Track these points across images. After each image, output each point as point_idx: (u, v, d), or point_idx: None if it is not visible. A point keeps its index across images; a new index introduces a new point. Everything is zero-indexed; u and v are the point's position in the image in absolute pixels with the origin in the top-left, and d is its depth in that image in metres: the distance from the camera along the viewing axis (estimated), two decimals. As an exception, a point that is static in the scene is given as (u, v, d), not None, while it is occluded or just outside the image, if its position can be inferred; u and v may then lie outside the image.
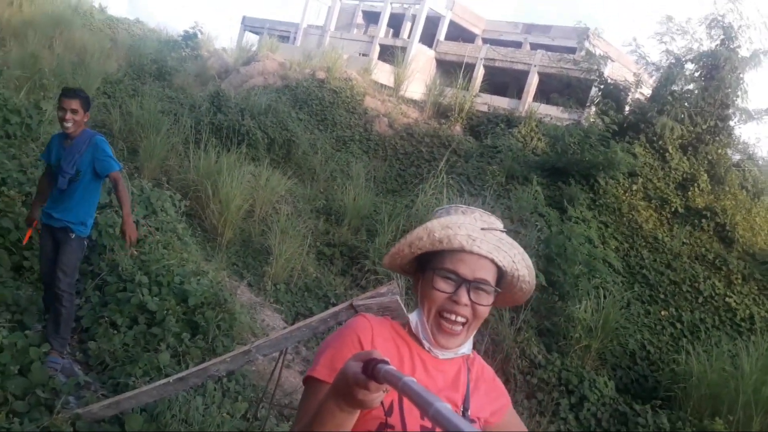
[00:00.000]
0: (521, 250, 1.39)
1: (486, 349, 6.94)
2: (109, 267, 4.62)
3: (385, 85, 18.49)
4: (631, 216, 10.51)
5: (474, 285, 1.32)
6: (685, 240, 10.29)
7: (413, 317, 1.38)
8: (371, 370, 0.97)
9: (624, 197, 10.76)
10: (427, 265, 1.37)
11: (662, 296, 9.39)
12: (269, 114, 12.36)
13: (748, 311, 9.17)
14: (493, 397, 1.51)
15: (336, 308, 3.25)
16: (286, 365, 3.66)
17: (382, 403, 1.07)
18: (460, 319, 1.32)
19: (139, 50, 16.44)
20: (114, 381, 3.61)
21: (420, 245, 1.35)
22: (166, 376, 3.79)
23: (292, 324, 6.74)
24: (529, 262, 1.41)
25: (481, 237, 1.33)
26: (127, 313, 4.21)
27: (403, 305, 3.21)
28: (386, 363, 0.97)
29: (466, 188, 10.70)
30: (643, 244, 10.15)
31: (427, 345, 1.36)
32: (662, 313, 9.16)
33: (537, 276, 5.75)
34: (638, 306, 9.12)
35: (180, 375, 3.06)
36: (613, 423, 6.56)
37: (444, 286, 1.32)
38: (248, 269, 7.99)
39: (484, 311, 1.35)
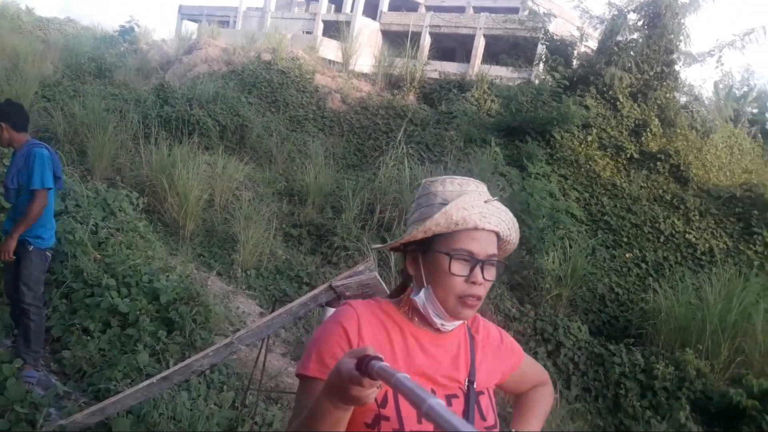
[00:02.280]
0: (511, 214, 1.37)
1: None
2: (74, 273, 4.50)
3: (334, 61, 18.28)
4: (588, 166, 10.71)
5: (486, 262, 1.30)
6: (642, 184, 10.55)
7: (420, 297, 1.32)
8: (365, 366, 0.97)
9: (580, 149, 10.94)
10: (430, 246, 1.32)
11: (625, 240, 9.64)
12: (218, 101, 12.11)
13: (707, 245, 9.50)
14: (503, 359, 1.50)
15: (315, 291, 3.23)
16: (268, 350, 3.64)
17: None
18: (477, 302, 1.31)
19: (75, 49, 15.82)
20: (95, 387, 3.54)
21: (436, 229, 1.30)
22: (147, 376, 3.74)
23: (268, 308, 6.73)
24: (516, 224, 1.40)
25: (488, 211, 1.32)
26: (99, 318, 4.12)
27: (381, 281, 3.22)
28: (380, 359, 0.97)
29: (426, 156, 10.72)
30: (603, 191, 10.37)
31: (438, 321, 1.32)
32: (627, 255, 9.42)
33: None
34: (603, 251, 9.36)
35: (164, 374, 3.02)
36: (590, 365, 6.76)
37: (460, 269, 1.28)
38: (216, 259, 7.89)
39: (491, 283, 1.34)
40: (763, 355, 6.77)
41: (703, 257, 9.34)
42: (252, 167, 10.66)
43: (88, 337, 3.97)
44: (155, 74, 16.41)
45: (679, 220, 9.95)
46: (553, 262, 7.93)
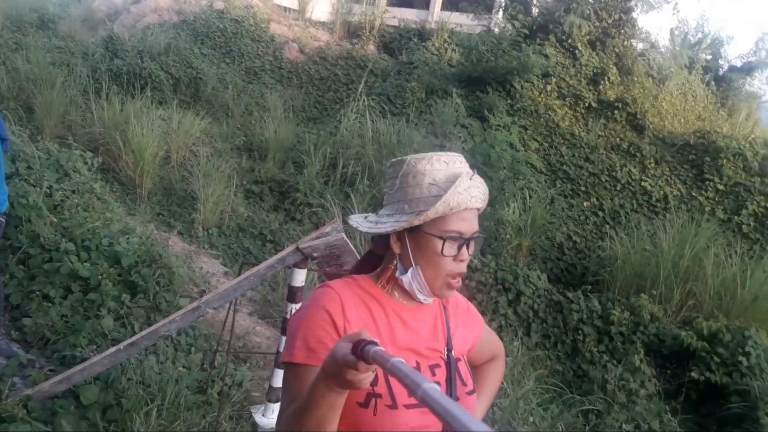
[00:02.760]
0: (485, 185, 1.39)
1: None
2: (30, 239, 4.36)
3: (290, 9, 17.70)
4: (548, 116, 10.79)
5: (471, 240, 1.33)
6: (600, 133, 10.71)
7: (406, 278, 1.34)
8: (360, 351, 0.98)
9: (540, 98, 10.99)
10: (419, 226, 1.32)
11: (583, 188, 9.84)
12: (170, 53, 11.65)
13: (662, 192, 9.77)
14: (470, 327, 1.54)
15: (282, 253, 3.21)
16: (235, 310, 3.63)
17: None
18: (460, 280, 1.34)
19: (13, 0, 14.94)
20: (59, 354, 3.50)
21: (433, 216, 1.30)
22: (113, 341, 3.71)
23: (232, 267, 6.69)
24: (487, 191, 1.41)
25: (474, 189, 1.33)
26: (59, 284, 4.03)
27: (349, 242, 3.22)
28: (375, 344, 0.98)
29: (388, 108, 10.62)
30: (562, 141, 10.50)
31: (422, 297, 1.35)
32: (584, 204, 9.64)
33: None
34: (562, 201, 9.54)
35: (131, 340, 2.99)
36: (550, 312, 6.97)
37: (451, 250, 1.31)
38: (175, 218, 7.76)
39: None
40: (712, 298, 7.09)
41: (658, 204, 9.62)
42: (208, 122, 10.40)
43: (49, 304, 3.89)
44: (102, 25, 15.64)
45: (635, 168, 10.18)
46: (514, 213, 8.06)
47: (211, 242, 7.22)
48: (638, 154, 10.39)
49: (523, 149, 9.74)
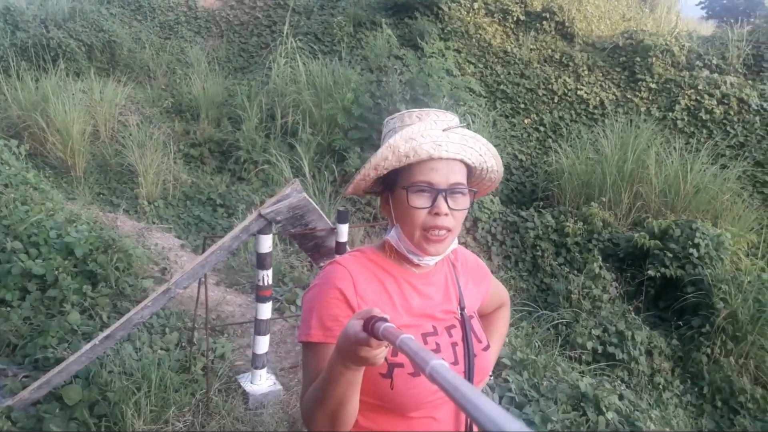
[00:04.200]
0: (485, 141, 1.34)
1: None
2: (-31, 243, 4.11)
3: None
4: (479, 36, 10.68)
5: (450, 191, 1.27)
6: (532, 46, 10.70)
7: (392, 236, 1.34)
8: (371, 328, 0.98)
9: (469, 18, 10.84)
10: (395, 183, 1.31)
11: (522, 106, 9.91)
12: (76, 18, 10.88)
13: (598, 98, 9.94)
14: (479, 282, 1.55)
15: (245, 222, 3.13)
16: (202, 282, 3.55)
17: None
18: (443, 233, 1.29)
19: None
20: (31, 358, 3.37)
21: (386, 165, 1.28)
22: (83, 335, 3.60)
23: (186, 239, 6.53)
24: (495, 150, 1.37)
25: (445, 139, 1.27)
26: (13, 286, 3.83)
27: (311, 201, 3.16)
28: (385, 320, 0.98)
29: (318, 47, 10.29)
30: (496, 60, 10.46)
31: (416, 259, 1.33)
32: (525, 121, 9.74)
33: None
34: (503, 121, 9.61)
35: (106, 333, 2.90)
36: (507, 233, 7.13)
37: (420, 201, 1.27)
38: (117, 195, 7.47)
39: (464, 214, 1.32)
40: (658, 197, 7.38)
41: (596, 111, 9.80)
42: (131, 87, 9.87)
43: (8, 308, 3.71)
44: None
45: (569, 77, 10.28)
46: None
47: (159, 215, 7.01)
48: (571, 64, 10.47)
49: (459, 74, 9.66)
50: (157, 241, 5.61)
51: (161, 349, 3.59)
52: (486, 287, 1.58)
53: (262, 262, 3.29)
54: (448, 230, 1.29)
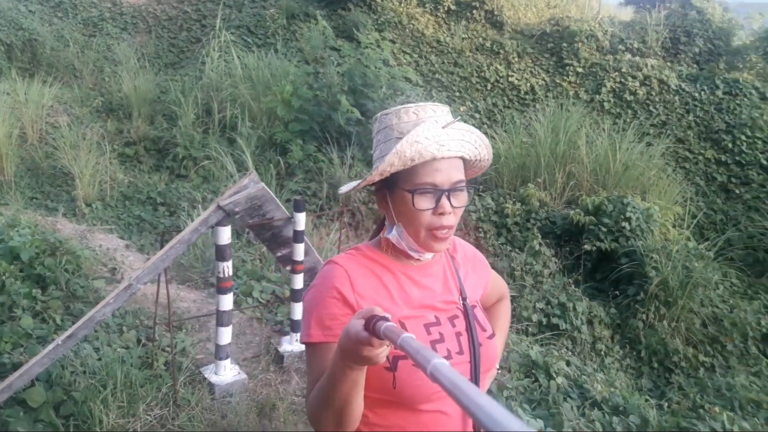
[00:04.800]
0: (478, 132, 1.35)
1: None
2: None
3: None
4: (412, 26, 10.85)
5: (452, 191, 1.27)
6: (463, 35, 10.96)
7: (393, 235, 1.33)
8: (372, 327, 0.99)
9: (401, 9, 11.00)
10: (395, 183, 1.30)
11: (458, 94, 10.16)
12: (-8, 16, 10.38)
13: (528, 84, 10.31)
14: (478, 272, 1.55)
15: (204, 214, 3.15)
16: (168, 281, 3.54)
17: None
18: (447, 231, 1.30)
19: None
20: (-15, 367, 3.28)
21: (392, 170, 1.26)
22: (38, 338, 3.53)
23: (131, 239, 6.40)
24: (486, 139, 1.38)
25: (446, 138, 1.26)
26: (-43, 294, 3.71)
27: (269, 190, 3.21)
28: (386, 319, 0.98)
29: (252, 41, 10.20)
30: (430, 50, 10.66)
31: (416, 254, 1.34)
32: (461, 108, 9.98)
33: (353, 112, 5.89)
34: (441, 109, 9.82)
35: (68, 333, 2.86)
36: (452, 218, 7.33)
37: (425, 203, 1.26)
38: (52, 199, 7.22)
39: (463, 209, 1.33)
40: (589, 175, 7.76)
41: (527, 96, 10.16)
42: (58, 87, 9.51)
43: (-47, 318, 3.59)
44: None
45: (501, 65, 10.60)
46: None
47: (98, 217, 6.82)
48: (501, 51, 10.80)
49: (396, 64, 9.80)
50: (101, 243, 5.49)
51: (120, 347, 3.56)
52: (486, 277, 1.58)
53: (221, 254, 3.32)
54: (450, 228, 1.30)
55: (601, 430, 3.34)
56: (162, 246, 3.19)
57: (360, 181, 1.35)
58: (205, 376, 3.48)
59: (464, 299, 1.41)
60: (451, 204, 1.27)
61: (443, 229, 1.28)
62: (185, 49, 12.04)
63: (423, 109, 1.31)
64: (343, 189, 1.42)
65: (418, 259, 1.36)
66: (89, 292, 4.08)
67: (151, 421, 3.01)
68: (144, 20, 13.05)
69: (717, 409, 3.80)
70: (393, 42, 10.45)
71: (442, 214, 1.27)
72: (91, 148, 7.60)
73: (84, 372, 3.13)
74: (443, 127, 1.26)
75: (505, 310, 1.73)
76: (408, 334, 0.90)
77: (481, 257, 1.59)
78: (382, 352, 1.03)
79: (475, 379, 1.33)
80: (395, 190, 1.30)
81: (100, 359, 3.30)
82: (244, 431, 3.07)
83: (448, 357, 1.30)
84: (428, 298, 1.36)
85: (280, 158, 7.50)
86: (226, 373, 3.50)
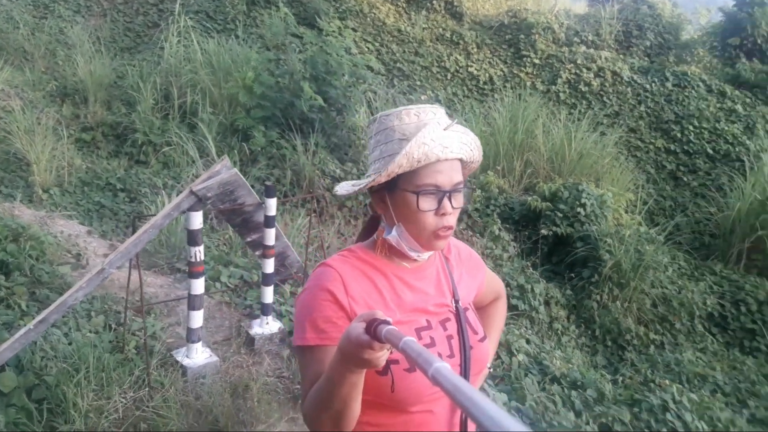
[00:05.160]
0: (472, 134, 1.38)
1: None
2: None
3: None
4: (373, 15, 10.90)
5: (453, 192, 1.30)
6: (423, 25, 11.07)
7: (393, 236, 1.34)
8: (373, 330, 1.00)
9: (362, -3, 11.04)
10: (395, 184, 1.30)
11: (419, 83, 10.28)
12: (-65, -5, 9.96)
13: (487, 74, 10.51)
14: (473, 273, 1.56)
15: (177, 199, 3.18)
16: (139, 266, 3.55)
17: None
18: (448, 231, 1.33)
19: None
20: (-51, 353, 3.24)
21: (399, 171, 1.27)
22: (3, 325, 3.50)
23: (92, 225, 6.31)
24: (479, 142, 1.41)
25: (448, 140, 1.29)
26: None
27: (242, 176, 3.25)
28: (387, 323, 0.99)
29: (211, 26, 10.08)
30: (391, 39, 10.74)
31: (414, 254, 1.35)
32: (422, 97, 10.10)
33: (316, 99, 5.94)
34: (402, 98, 9.92)
35: (40, 317, 2.87)
36: (414, 205, 7.47)
37: (428, 204, 1.28)
38: (7, 185, 7.02)
39: (461, 209, 1.36)
40: (546, 163, 8.01)
41: (486, 86, 10.36)
42: (8, 72, 9.21)
43: None
44: None
45: (460, 55, 10.77)
46: (360, 118, 8.30)
47: (57, 203, 6.69)
48: (461, 42, 10.96)
49: (358, 52, 9.85)
50: (62, 229, 5.41)
51: (90, 332, 3.56)
52: (481, 278, 1.59)
53: (193, 238, 3.35)
54: (450, 228, 1.33)
55: (560, 403, 3.52)
56: (134, 231, 3.21)
57: (366, 181, 1.34)
58: (177, 359, 3.52)
59: (456, 302, 1.42)
60: (451, 205, 1.30)
61: (445, 230, 1.31)
62: (142, 34, 11.80)
63: (423, 111, 1.32)
64: (341, 190, 1.40)
65: (415, 260, 1.38)
66: (55, 278, 4.05)
67: (126, 404, 3.04)
68: (98, 3, 12.70)
69: (667, 382, 4.04)
70: (354, 30, 10.48)
71: (443, 214, 1.29)
72: (47, 134, 7.42)
73: (55, 357, 3.14)
74: (444, 129, 1.29)
75: (500, 310, 1.74)
76: (409, 337, 0.91)
77: (476, 258, 1.60)
78: (383, 355, 1.03)
79: None
80: (396, 191, 1.31)
81: (70, 344, 3.30)
82: (218, 410, 3.13)
83: None
84: (421, 302, 1.37)
85: (243, 144, 7.47)
86: (198, 356, 3.54)
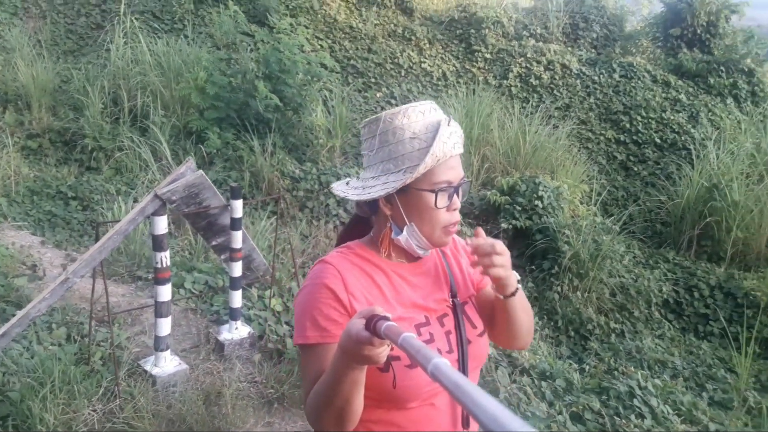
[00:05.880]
0: (460, 128, 1.39)
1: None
2: None
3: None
4: (324, 11, 10.83)
5: (461, 187, 1.33)
6: (375, 21, 11.06)
7: (403, 237, 1.34)
8: (373, 326, 1.00)
9: (311, -6, 10.94)
10: (407, 186, 1.30)
11: (373, 80, 10.27)
12: None
13: (440, 70, 10.58)
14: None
15: (141, 204, 3.09)
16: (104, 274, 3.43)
17: None
18: (456, 226, 1.36)
19: None
20: None
21: (424, 170, 1.28)
22: (-42, 342, 3.35)
23: (44, 235, 6.09)
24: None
25: (455, 134, 1.32)
26: None
27: (207, 177, 3.19)
28: (387, 319, 1.00)
29: (158, 26, 9.84)
30: (343, 36, 10.70)
31: (422, 252, 1.36)
32: (378, 95, 10.11)
33: (272, 98, 5.88)
34: (357, 96, 9.91)
35: (1, 331, 2.75)
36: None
37: (443, 201, 1.31)
38: (-52, 196, 6.72)
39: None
40: (502, 157, 8.12)
41: (440, 82, 10.43)
42: (-59, 78, 8.80)
43: None
44: None
45: (413, 51, 10.80)
46: (318, 116, 8.25)
47: (4, 214, 6.43)
48: (413, 38, 11.00)
49: (311, 50, 9.77)
50: (13, 240, 5.21)
51: (52, 344, 3.44)
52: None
53: (159, 243, 3.27)
54: (459, 221, 1.36)
55: (532, 394, 3.59)
56: (97, 239, 3.11)
57: (394, 182, 1.30)
58: (146, 368, 3.44)
59: (454, 296, 1.43)
60: (459, 199, 1.34)
61: (454, 225, 1.34)
62: (85, 36, 11.40)
63: (426, 108, 1.33)
64: (355, 196, 1.36)
65: (418, 257, 1.39)
66: (10, 291, 3.90)
67: (96, 416, 2.95)
68: (36, 4, 12.22)
69: (632, 368, 4.16)
70: (306, 27, 10.39)
71: (454, 210, 1.33)
72: (-11, 143, 7.13)
73: (17, 371, 3.02)
74: (449, 125, 1.31)
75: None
76: (409, 333, 0.91)
77: None
78: (383, 351, 1.04)
79: None
80: (408, 192, 1.31)
81: (32, 357, 3.18)
82: (192, 418, 3.07)
83: None
84: (420, 297, 1.37)
85: (201, 146, 7.34)
86: (167, 364, 3.47)
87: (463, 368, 1.36)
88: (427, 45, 10.95)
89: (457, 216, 1.34)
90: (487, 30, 10.94)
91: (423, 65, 10.59)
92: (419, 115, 1.31)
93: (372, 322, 1.00)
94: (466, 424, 1.38)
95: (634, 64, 10.57)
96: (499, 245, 1.27)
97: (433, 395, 1.30)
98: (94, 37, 11.00)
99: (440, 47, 10.99)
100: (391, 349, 1.11)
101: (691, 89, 10.38)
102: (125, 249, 5.11)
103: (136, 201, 6.02)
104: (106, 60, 9.16)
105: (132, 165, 7.38)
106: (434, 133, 1.28)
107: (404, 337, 0.90)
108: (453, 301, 1.42)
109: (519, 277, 1.37)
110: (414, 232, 1.33)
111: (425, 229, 1.32)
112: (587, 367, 4.65)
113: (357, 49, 10.60)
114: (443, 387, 0.76)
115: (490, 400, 0.66)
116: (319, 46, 10.24)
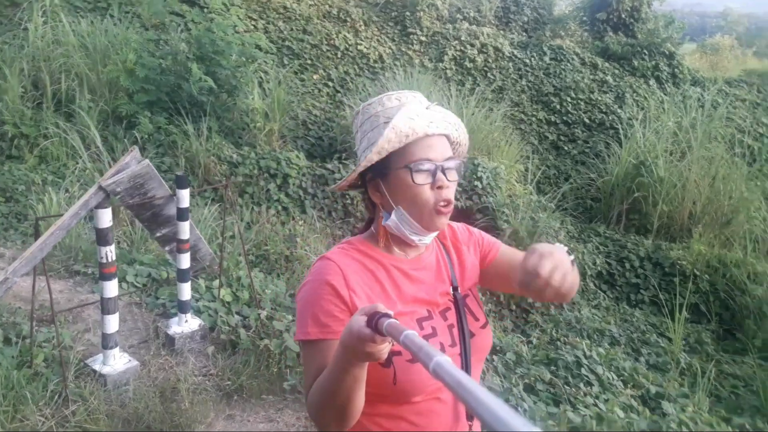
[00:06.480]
0: (456, 117, 1.40)
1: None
2: None
3: None
4: (256, -8, 10.57)
5: (447, 166, 1.31)
6: (310, 2, 10.89)
7: (392, 221, 1.33)
8: (375, 323, 1.00)
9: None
10: (388, 167, 1.31)
11: (310, 62, 10.13)
12: None
13: (377, 52, 10.54)
14: (476, 249, 1.52)
15: (85, 197, 2.94)
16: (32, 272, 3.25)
17: None
18: (448, 205, 1.32)
19: None
20: None
21: (389, 147, 1.28)
22: None
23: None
24: (464, 127, 1.42)
25: (433, 117, 1.31)
26: None
27: (153, 167, 3.08)
28: (389, 316, 1.00)
29: (81, 5, 9.31)
30: (277, 16, 10.47)
31: (416, 238, 1.35)
32: (314, 77, 9.99)
33: (206, 81, 5.73)
34: (294, 78, 9.75)
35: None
36: (317, 186, 7.40)
37: (424, 178, 1.29)
38: None
39: (456, 186, 1.36)
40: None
41: (376, 65, 10.40)
42: None
43: None
44: None
45: (349, 33, 10.71)
46: (254, 99, 8.07)
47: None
48: (348, 19, 10.90)
49: (244, 30, 9.51)
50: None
51: (-10, 348, 3.25)
52: (486, 251, 1.53)
53: (103, 237, 3.13)
54: (450, 202, 1.32)
55: (484, 368, 3.69)
56: (36, 234, 2.95)
57: (360, 168, 1.32)
58: (95, 368, 3.31)
59: (455, 290, 1.42)
60: (446, 178, 1.31)
61: (444, 202, 1.31)
62: (-3, 13, 10.66)
63: (404, 95, 1.35)
64: (334, 186, 1.38)
65: (415, 248, 1.39)
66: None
67: (47, 424, 2.82)
68: (-61, -21, 11.31)
69: (578, 339, 4.35)
70: (239, 7, 10.11)
71: (440, 187, 1.30)
72: None
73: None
74: (427, 108, 1.31)
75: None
76: (410, 330, 0.91)
77: (477, 232, 1.57)
78: (385, 348, 1.04)
79: (466, 370, 1.36)
80: (389, 173, 1.32)
81: (-30, 363, 3.00)
82: (149, 416, 2.99)
83: (441, 350, 1.27)
84: (421, 292, 1.37)
85: (132, 132, 7.04)
86: (117, 362, 3.35)
87: (466, 361, 1.36)
88: (363, 27, 10.88)
89: (446, 194, 1.31)
90: (421, 12, 10.97)
91: (359, 47, 10.52)
92: (394, 101, 1.33)
93: (374, 320, 1.00)
94: (471, 417, 1.39)
95: (564, 47, 10.89)
96: (538, 264, 1.12)
97: (438, 390, 1.30)
98: (8, 16, 10.28)
99: (376, 29, 10.95)
100: (393, 345, 1.10)
101: (617, 71, 10.80)
102: (60, 243, 4.86)
103: (67, 191, 5.74)
104: (24, 41, 8.59)
105: (59, 153, 7.01)
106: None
107: (406, 334, 0.90)
108: (454, 294, 1.41)
109: (566, 248, 1.24)
110: (402, 215, 1.32)
111: (412, 210, 1.31)
112: (533, 339, 4.82)
113: (292, 30, 10.41)
114: (445, 385, 0.76)
115: (492, 399, 0.66)
116: (252, 27, 9.99)
